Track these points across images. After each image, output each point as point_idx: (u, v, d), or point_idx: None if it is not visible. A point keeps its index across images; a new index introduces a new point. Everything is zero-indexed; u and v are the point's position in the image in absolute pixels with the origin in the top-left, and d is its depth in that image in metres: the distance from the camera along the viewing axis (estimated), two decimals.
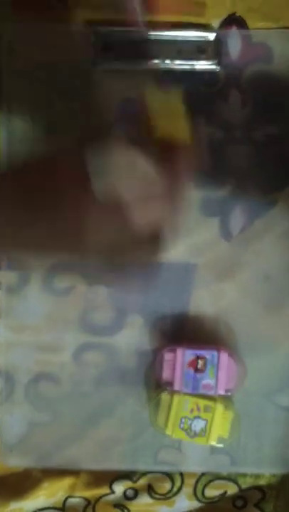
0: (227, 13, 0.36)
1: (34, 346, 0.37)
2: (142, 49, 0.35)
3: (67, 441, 0.36)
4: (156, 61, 0.36)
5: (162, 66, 0.36)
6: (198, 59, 0.35)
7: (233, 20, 0.36)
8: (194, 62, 0.36)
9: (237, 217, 0.36)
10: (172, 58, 0.35)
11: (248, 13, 0.36)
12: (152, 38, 0.35)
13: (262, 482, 0.37)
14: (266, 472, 0.37)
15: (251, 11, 0.36)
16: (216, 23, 0.36)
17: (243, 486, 0.37)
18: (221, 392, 0.34)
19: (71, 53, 0.36)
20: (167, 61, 0.36)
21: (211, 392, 0.34)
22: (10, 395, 0.36)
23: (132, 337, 0.36)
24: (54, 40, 0.36)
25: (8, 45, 0.36)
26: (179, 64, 0.36)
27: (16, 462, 0.37)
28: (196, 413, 0.33)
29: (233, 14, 0.36)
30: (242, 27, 0.36)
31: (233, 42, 0.36)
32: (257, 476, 0.37)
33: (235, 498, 0.37)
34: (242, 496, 0.37)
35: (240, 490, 0.37)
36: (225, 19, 0.36)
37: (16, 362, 0.37)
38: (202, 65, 0.36)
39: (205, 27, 0.36)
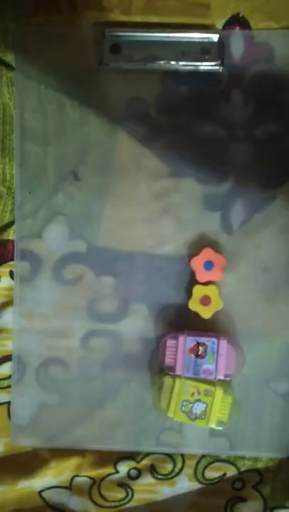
0: (231, 13, 0.37)
1: (44, 332, 0.38)
2: (148, 50, 0.37)
3: (74, 422, 0.38)
4: (161, 62, 0.37)
5: (167, 67, 0.37)
6: (202, 60, 0.37)
7: (237, 21, 0.37)
8: (198, 63, 0.37)
9: (238, 212, 0.38)
10: (177, 59, 0.37)
11: (252, 14, 0.37)
12: (158, 39, 0.37)
13: (260, 465, 0.38)
14: (264, 455, 0.38)
15: (255, 11, 0.37)
16: (219, 24, 0.38)
17: (242, 469, 0.38)
18: (221, 377, 0.35)
19: (79, 55, 0.38)
20: (172, 62, 0.37)
21: (211, 377, 0.35)
22: (21, 378, 0.38)
23: (136, 325, 0.38)
24: (63, 41, 0.38)
25: (18, 47, 0.38)
26: (184, 65, 0.37)
27: (25, 442, 0.39)
28: (196, 397, 0.35)
29: (237, 15, 0.37)
30: (245, 27, 0.37)
31: (236, 42, 0.37)
32: (255, 459, 0.38)
33: (234, 480, 0.38)
34: (240, 478, 0.38)
35: (239, 472, 0.38)
36: (228, 20, 0.37)
37: (27, 347, 0.38)
38: (206, 65, 0.37)
39: (209, 28, 0.37)
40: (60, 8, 0.38)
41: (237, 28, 0.38)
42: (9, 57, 0.38)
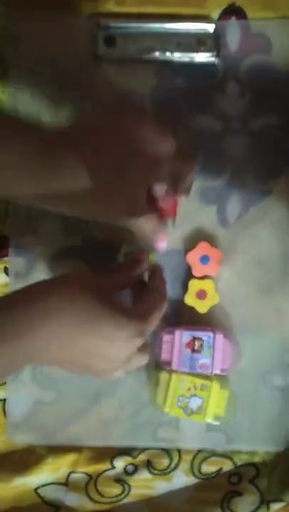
0: (227, 3, 0.37)
1: None
2: (143, 42, 0.36)
3: (70, 419, 0.38)
4: (156, 53, 0.36)
5: (162, 58, 0.37)
6: (197, 51, 0.36)
7: (233, 11, 0.37)
8: (193, 55, 0.36)
9: (234, 205, 0.38)
10: (172, 50, 0.36)
11: (248, 3, 0.37)
12: (153, 30, 0.36)
13: (256, 459, 0.38)
14: (260, 449, 0.38)
15: (251, 1, 0.37)
16: (215, 14, 0.37)
17: (238, 463, 0.38)
18: (217, 371, 0.35)
19: (73, 46, 0.37)
20: (167, 53, 0.36)
21: (207, 372, 0.35)
22: (17, 375, 0.38)
23: None
24: (57, 33, 0.37)
25: (12, 38, 0.37)
26: (179, 56, 0.37)
27: (21, 439, 0.38)
28: (192, 391, 0.35)
29: (233, 4, 0.37)
30: (241, 17, 0.37)
31: (232, 33, 0.37)
32: (251, 454, 0.38)
33: (230, 474, 0.38)
34: (237, 472, 0.38)
35: (236, 466, 0.38)
36: (224, 9, 0.37)
37: None
38: (201, 57, 0.37)
39: (205, 18, 0.37)
40: None
41: (233, 17, 0.37)
42: (2, 50, 0.37)
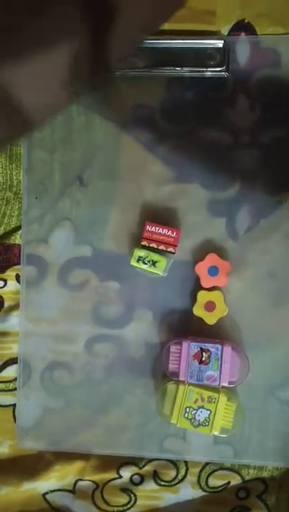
0: (236, 19, 0.37)
1: (50, 337, 0.39)
2: (154, 57, 0.37)
3: (78, 426, 0.38)
4: (166, 69, 0.37)
5: (173, 73, 0.37)
6: (207, 66, 0.37)
7: (242, 27, 0.37)
8: (203, 69, 0.37)
9: (243, 218, 0.38)
10: (182, 66, 0.37)
11: (257, 19, 0.37)
12: (163, 46, 0.37)
13: (265, 474, 0.38)
14: (269, 464, 0.37)
15: (260, 17, 0.37)
16: (225, 30, 0.38)
17: (246, 478, 0.38)
18: (224, 384, 0.35)
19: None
20: (178, 68, 0.37)
21: (215, 384, 0.35)
22: (26, 381, 0.39)
23: (141, 330, 0.38)
24: None
25: None
26: (189, 71, 0.37)
27: (30, 445, 0.39)
28: (200, 403, 0.35)
29: (242, 21, 0.37)
30: (251, 33, 0.37)
31: (241, 48, 0.37)
32: (260, 468, 0.38)
33: (238, 488, 0.38)
34: (245, 487, 0.38)
35: (244, 481, 0.38)
36: (234, 26, 0.37)
37: (33, 351, 0.39)
38: (211, 71, 0.37)
39: (215, 34, 0.37)
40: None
41: (242, 33, 0.37)
42: None
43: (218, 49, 0.36)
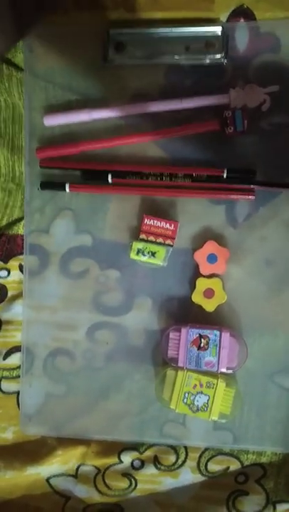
0: (235, 5, 0.37)
1: (52, 324, 0.39)
2: (152, 46, 0.37)
3: (79, 412, 0.39)
4: (165, 57, 0.37)
5: (171, 61, 0.37)
6: (206, 53, 0.37)
7: (241, 12, 0.37)
8: (202, 57, 0.37)
9: (243, 205, 0.38)
10: (181, 53, 0.37)
11: (256, 4, 0.37)
12: (161, 35, 0.37)
13: (263, 459, 0.38)
14: (268, 450, 0.38)
15: (259, 2, 0.37)
16: (224, 17, 0.37)
17: (245, 463, 0.38)
18: (223, 369, 0.35)
19: (85, 53, 0.38)
20: (176, 56, 0.37)
21: (213, 370, 0.35)
22: (30, 368, 0.39)
23: (141, 317, 0.38)
24: (68, 41, 0.38)
25: (26, 47, 0.39)
26: (187, 59, 0.37)
27: (33, 431, 0.40)
28: (198, 389, 0.35)
29: (241, 6, 0.37)
30: (250, 18, 0.37)
31: (240, 34, 0.37)
32: (259, 454, 0.38)
33: (237, 473, 0.38)
34: (244, 472, 0.38)
35: (242, 466, 0.38)
36: (232, 12, 0.37)
37: (36, 338, 0.39)
38: (210, 59, 0.37)
39: (213, 21, 0.37)
40: (66, 8, 0.38)
41: (241, 19, 0.37)
42: (18, 59, 0.39)
43: (216, 36, 0.36)
